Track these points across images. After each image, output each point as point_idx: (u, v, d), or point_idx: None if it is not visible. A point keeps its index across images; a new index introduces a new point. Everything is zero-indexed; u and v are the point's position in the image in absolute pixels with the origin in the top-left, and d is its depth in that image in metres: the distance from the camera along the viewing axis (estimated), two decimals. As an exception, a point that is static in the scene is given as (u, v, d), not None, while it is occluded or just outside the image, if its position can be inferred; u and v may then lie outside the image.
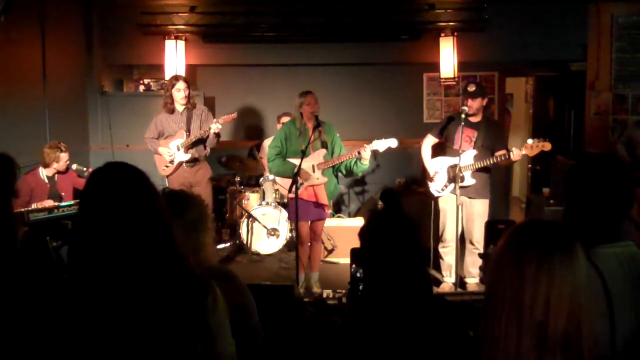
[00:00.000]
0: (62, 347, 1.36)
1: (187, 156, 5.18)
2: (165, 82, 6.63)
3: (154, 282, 1.37)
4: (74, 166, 5.04)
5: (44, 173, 4.92)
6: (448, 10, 6.47)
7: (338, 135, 4.68)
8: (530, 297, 1.25)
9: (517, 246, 1.32)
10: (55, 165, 4.91)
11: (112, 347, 1.34)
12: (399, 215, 1.79)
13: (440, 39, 6.52)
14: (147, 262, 1.37)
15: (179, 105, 5.20)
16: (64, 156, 4.94)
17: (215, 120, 5.08)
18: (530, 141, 4.32)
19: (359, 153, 4.41)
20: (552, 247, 1.29)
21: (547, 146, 4.26)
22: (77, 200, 4.75)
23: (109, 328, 1.34)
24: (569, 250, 1.29)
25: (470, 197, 4.60)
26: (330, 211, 4.86)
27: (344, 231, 5.61)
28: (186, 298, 1.38)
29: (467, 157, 4.48)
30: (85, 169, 5.02)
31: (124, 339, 1.34)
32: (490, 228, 2.45)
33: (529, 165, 7.69)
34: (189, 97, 5.18)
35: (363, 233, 1.82)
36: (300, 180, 4.42)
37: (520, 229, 1.36)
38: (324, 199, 4.58)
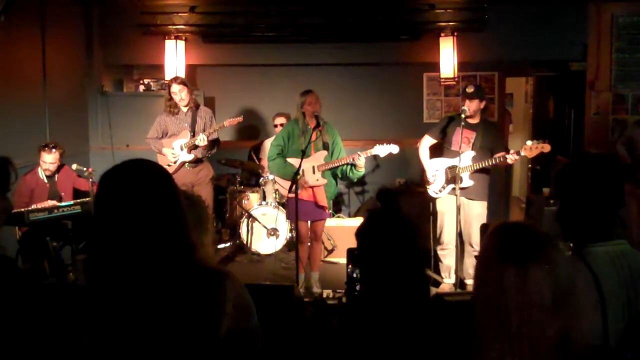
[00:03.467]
0: (85, 343, 1.36)
1: (191, 156, 5.19)
2: (166, 82, 6.65)
3: (175, 273, 1.39)
4: (74, 166, 5.03)
5: (42, 173, 4.91)
6: (448, 10, 6.47)
7: (339, 136, 4.68)
8: (513, 306, 1.26)
9: (494, 257, 1.32)
10: (43, 165, 4.87)
11: (134, 341, 1.34)
12: (396, 215, 1.79)
13: (440, 39, 6.52)
14: (168, 254, 1.40)
15: (182, 106, 5.22)
16: (48, 157, 4.85)
17: (213, 128, 5.12)
18: (529, 143, 4.25)
19: (352, 160, 4.41)
20: (525, 259, 1.28)
21: (547, 147, 4.18)
22: (77, 201, 4.80)
23: (131, 322, 1.34)
24: (544, 261, 1.28)
25: (468, 199, 4.59)
26: (330, 211, 4.85)
27: (344, 231, 5.62)
28: (207, 282, 1.42)
29: (466, 159, 4.47)
30: (85, 169, 5.00)
31: (147, 331, 1.34)
32: (486, 231, 2.46)
33: (529, 166, 7.70)
34: (189, 98, 5.19)
35: (360, 233, 1.82)
36: (300, 175, 4.41)
37: (497, 238, 1.36)
38: (323, 200, 4.58)
